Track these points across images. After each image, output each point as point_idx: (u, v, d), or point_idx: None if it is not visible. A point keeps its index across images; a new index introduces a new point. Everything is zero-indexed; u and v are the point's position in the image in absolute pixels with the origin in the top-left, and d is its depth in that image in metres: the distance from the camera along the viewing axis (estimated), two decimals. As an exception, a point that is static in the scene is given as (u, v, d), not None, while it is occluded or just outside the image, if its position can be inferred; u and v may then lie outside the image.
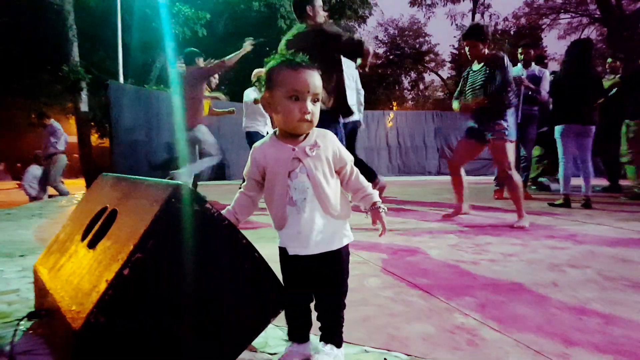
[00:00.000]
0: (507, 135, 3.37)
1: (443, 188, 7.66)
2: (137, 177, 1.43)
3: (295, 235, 1.14)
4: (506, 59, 3.41)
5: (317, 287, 1.17)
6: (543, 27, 18.41)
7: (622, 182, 6.28)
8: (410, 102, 32.24)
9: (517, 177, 3.44)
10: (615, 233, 3.13)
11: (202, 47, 12.01)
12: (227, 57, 4.87)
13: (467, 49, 3.55)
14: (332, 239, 1.15)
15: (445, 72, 21.90)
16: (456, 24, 20.31)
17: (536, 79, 5.55)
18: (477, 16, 19.14)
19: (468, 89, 3.58)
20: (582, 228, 3.34)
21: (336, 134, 3.98)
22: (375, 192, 1.23)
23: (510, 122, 3.41)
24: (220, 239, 1.18)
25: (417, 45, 25.68)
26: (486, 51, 3.48)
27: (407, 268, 2.18)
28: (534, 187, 6.52)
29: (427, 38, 26.32)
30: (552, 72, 5.68)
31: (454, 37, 23.12)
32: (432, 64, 28.33)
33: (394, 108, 28.23)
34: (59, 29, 11.70)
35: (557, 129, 4.65)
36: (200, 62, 5.00)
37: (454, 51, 20.59)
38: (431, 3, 18.54)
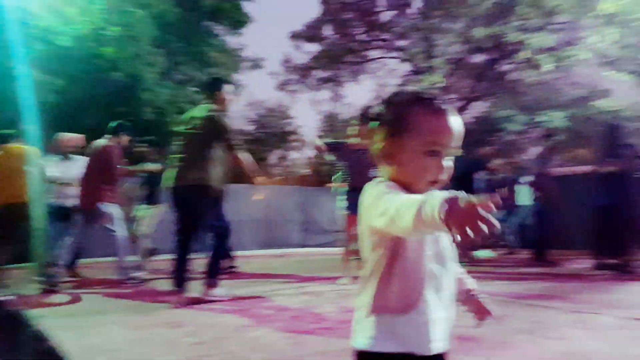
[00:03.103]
0: None
1: (306, 259, 8.04)
2: None
3: (424, 327, 0.80)
4: None
5: None
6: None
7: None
8: (276, 177, 33.48)
9: None
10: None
11: (55, 114, 10.98)
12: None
13: None
14: (447, 336, 0.87)
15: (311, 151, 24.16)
16: (319, 110, 22.63)
17: None
18: (336, 104, 21.70)
19: None
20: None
21: None
22: (472, 279, 0.98)
23: None
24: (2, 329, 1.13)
25: (283, 126, 27.56)
26: None
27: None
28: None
29: (291, 120, 28.51)
30: None
31: (319, 119, 25.55)
32: (298, 143, 30.45)
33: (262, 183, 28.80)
34: None
35: None
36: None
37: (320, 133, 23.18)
38: (295, 90, 20.36)
